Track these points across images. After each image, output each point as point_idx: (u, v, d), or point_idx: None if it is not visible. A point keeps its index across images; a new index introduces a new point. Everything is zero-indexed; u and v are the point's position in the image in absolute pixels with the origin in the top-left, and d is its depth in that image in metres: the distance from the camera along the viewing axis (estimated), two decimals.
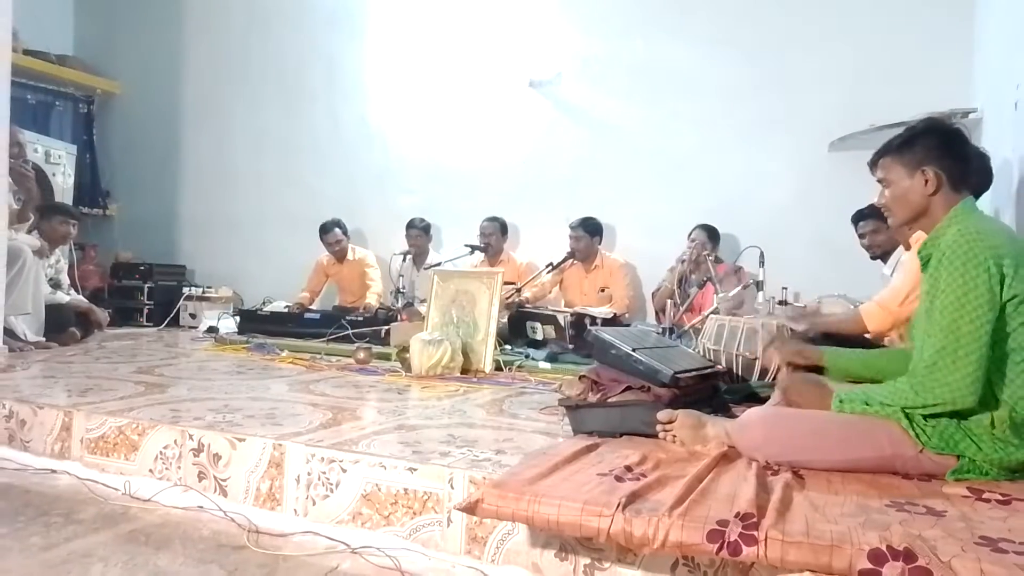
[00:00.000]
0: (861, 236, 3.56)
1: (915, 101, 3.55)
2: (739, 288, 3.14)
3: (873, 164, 1.83)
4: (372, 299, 5.10)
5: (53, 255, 4.30)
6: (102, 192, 6.48)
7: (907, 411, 1.60)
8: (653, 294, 4.51)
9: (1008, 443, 1.57)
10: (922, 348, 1.62)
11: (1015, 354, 1.57)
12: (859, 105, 4.03)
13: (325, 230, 5.27)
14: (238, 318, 5.04)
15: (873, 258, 3.54)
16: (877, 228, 3.42)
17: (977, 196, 1.99)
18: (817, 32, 4.35)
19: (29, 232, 4.00)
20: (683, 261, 4.22)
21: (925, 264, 1.73)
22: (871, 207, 3.32)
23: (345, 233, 5.31)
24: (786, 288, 3.44)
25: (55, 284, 4.30)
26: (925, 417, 1.59)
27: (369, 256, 5.40)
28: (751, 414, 1.77)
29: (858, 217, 3.56)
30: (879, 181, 1.82)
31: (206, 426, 2.03)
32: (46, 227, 4.19)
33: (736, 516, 1.26)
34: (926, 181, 1.71)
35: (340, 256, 5.34)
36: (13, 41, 3.64)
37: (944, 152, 1.71)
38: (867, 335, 2.57)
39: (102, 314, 4.48)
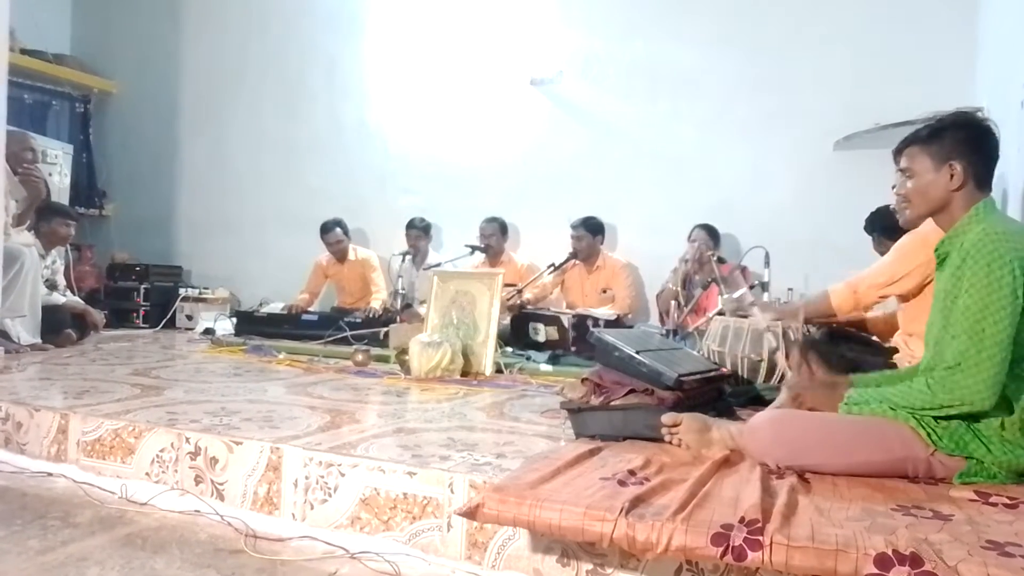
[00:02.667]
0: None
1: (918, 100, 3.50)
2: (744, 289, 3.11)
3: (898, 152, 1.77)
4: (376, 304, 5.06)
5: (49, 256, 4.28)
6: (98, 192, 6.46)
7: (919, 413, 1.58)
8: (657, 296, 4.50)
9: (1017, 446, 1.56)
10: (940, 347, 1.60)
11: None
12: (861, 104, 4.02)
13: (326, 230, 5.24)
14: (235, 320, 5.03)
15: None
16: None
17: None
18: (818, 31, 4.34)
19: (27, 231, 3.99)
20: (686, 261, 4.20)
21: (941, 262, 1.70)
22: (876, 217, 3.26)
23: (346, 233, 5.29)
24: (791, 289, 3.42)
25: (51, 285, 4.28)
26: (936, 418, 1.58)
27: (373, 258, 5.36)
28: (759, 417, 1.75)
29: (870, 228, 3.43)
30: (901, 170, 1.76)
31: (203, 429, 2.02)
32: (46, 229, 4.17)
33: (740, 521, 1.25)
34: (952, 175, 1.67)
35: (340, 256, 5.32)
36: (10, 40, 3.64)
37: (974, 148, 1.68)
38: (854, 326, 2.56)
39: (98, 315, 4.46)
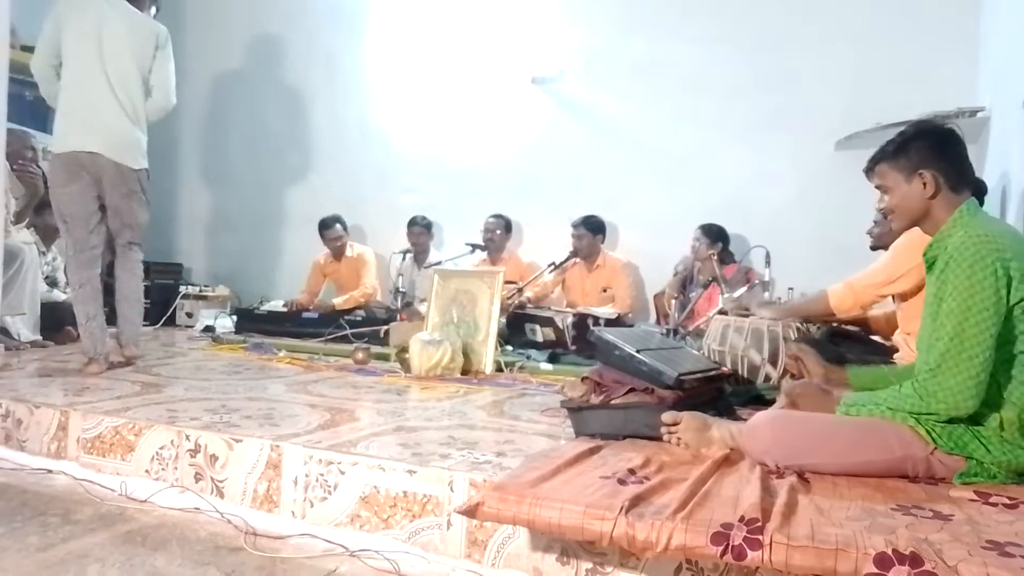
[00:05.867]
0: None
1: (920, 99, 3.54)
2: (745, 289, 3.11)
3: (869, 171, 1.82)
4: (357, 293, 5.08)
5: (49, 252, 4.28)
6: None
7: (914, 415, 1.59)
8: (656, 296, 4.50)
9: (1016, 446, 1.56)
10: (928, 351, 1.61)
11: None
12: (863, 104, 4.02)
13: (325, 226, 5.25)
14: (235, 317, 5.03)
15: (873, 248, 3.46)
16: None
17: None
18: (820, 30, 4.34)
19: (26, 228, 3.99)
20: (678, 272, 4.24)
21: (930, 266, 1.71)
22: None
23: (345, 229, 5.30)
24: (792, 288, 3.41)
25: (51, 282, 4.28)
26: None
27: (367, 253, 5.37)
28: (758, 418, 1.75)
29: None
30: (877, 187, 1.82)
31: (203, 426, 2.02)
32: (41, 224, 4.16)
33: (740, 520, 1.25)
34: (924, 184, 1.70)
35: (338, 253, 5.32)
36: (11, 37, 3.65)
37: (939, 154, 1.71)
38: (841, 322, 2.55)
39: None
